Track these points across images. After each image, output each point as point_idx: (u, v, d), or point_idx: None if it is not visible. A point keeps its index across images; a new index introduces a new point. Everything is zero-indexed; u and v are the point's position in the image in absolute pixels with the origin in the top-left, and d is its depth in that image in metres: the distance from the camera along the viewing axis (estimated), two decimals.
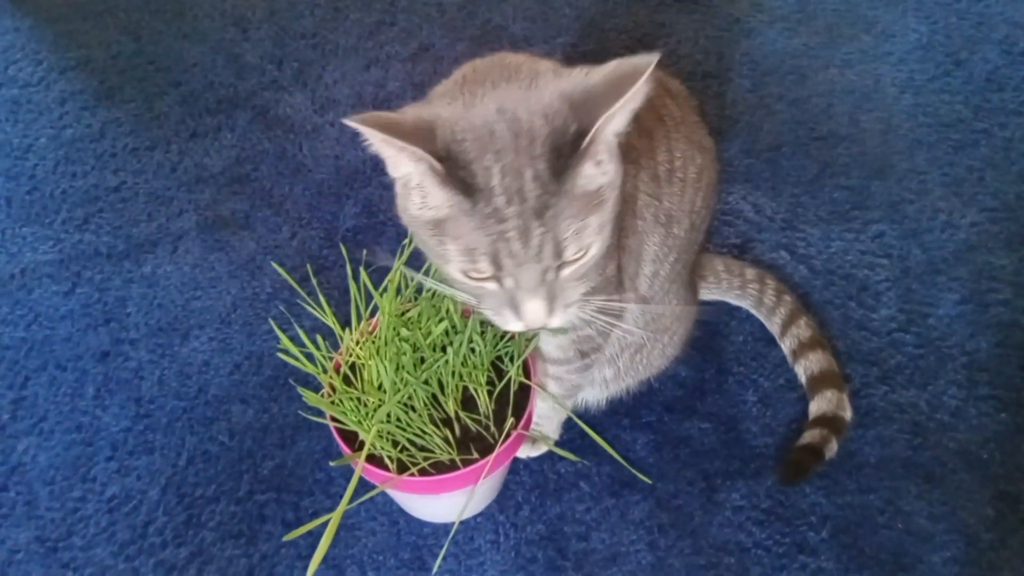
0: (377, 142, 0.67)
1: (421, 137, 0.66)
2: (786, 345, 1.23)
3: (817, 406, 1.15)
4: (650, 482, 1.12)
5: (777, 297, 1.25)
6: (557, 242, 0.69)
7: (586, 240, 0.71)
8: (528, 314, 0.73)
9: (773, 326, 1.25)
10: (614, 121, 0.68)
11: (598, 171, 0.70)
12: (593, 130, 0.66)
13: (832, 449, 1.11)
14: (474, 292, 0.75)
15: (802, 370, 1.20)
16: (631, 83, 0.65)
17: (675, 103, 0.96)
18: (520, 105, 0.68)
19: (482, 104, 0.69)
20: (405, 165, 0.69)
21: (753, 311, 1.28)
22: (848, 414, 1.14)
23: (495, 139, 0.67)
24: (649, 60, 0.65)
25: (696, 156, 0.96)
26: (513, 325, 0.75)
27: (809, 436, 1.11)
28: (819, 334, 1.21)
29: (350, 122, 0.64)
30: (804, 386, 1.19)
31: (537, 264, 0.70)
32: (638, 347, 1.07)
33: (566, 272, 0.73)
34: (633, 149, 0.89)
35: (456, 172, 0.67)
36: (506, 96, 0.69)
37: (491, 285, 0.73)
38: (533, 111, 0.68)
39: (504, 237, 0.68)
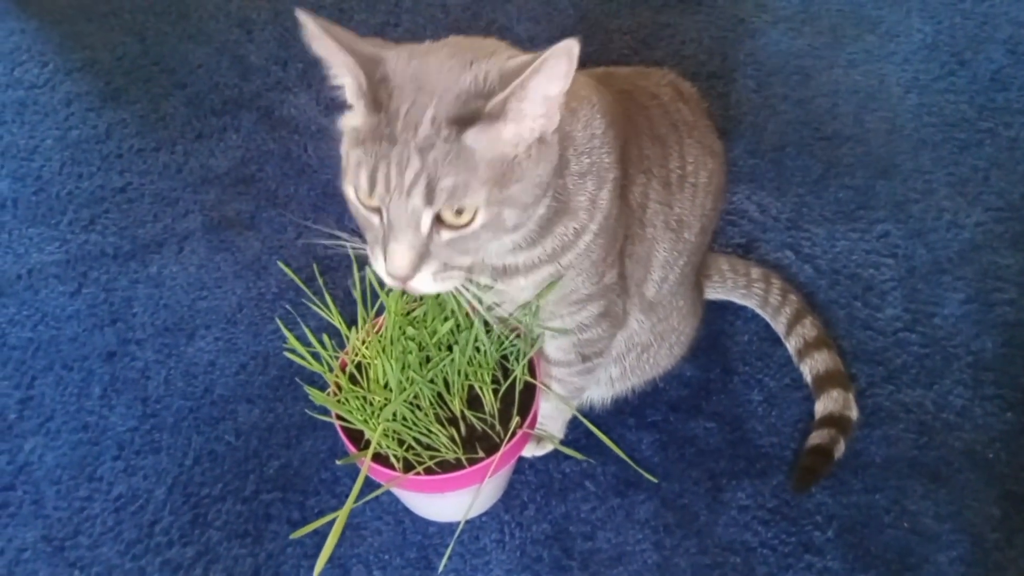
0: (320, 44, 0.70)
1: (364, 57, 0.71)
2: (791, 344, 1.23)
3: (823, 406, 1.15)
4: (656, 481, 1.12)
5: (782, 296, 1.25)
6: (430, 185, 0.69)
7: (466, 201, 0.70)
8: (393, 256, 0.72)
9: (779, 325, 1.25)
10: (528, 95, 0.69)
11: (502, 140, 0.70)
12: (502, 95, 0.67)
13: (840, 449, 1.11)
14: (363, 224, 0.76)
15: (807, 369, 1.20)
16: (545, 60, 0.66)
17: (688, 107, 0.96)
18: (459, 67, 0.71)
19: (430, 57, 0.72)
20: (343, 75, 0.73)
21: (758, 310, 1.28)
22: (854, 414, 1.14)
23: (422, 82, 0.70)
24: (570, 44, 0.66)
25: (707, 161, 0.96)
26: (380, 268, 0.74)
27: (817, 437, 1.11)
28: (825, 333, 1.21)
29: (302, 16, 0.69)
30: (810, 385, 1.19)
31: (407, 201, 0.69)
32: (644, 347, 1.08)
33: (445, 236, 0.71)
34: (646, 158, 0.89)
35: (377, 91, 0.70)
36: (453, 59, 0.71)
37: (375, 219, 0.73)
38: (468, 73, 0.70)
39: (386, 158, 0.69)
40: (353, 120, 0.73)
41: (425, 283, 0.74)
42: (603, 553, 1.07)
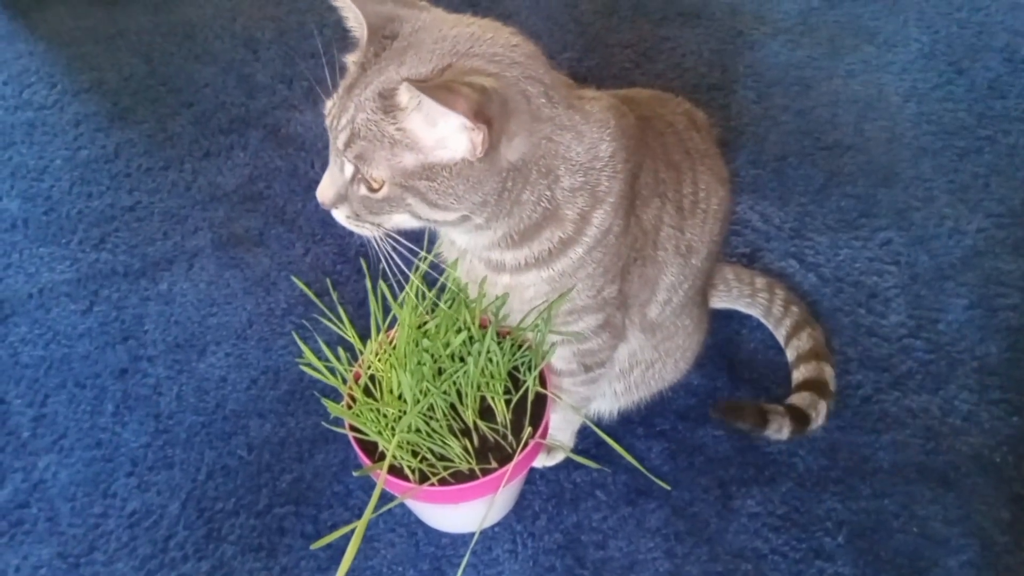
0: None
1: (374, 13, 0.76)
2: (789, 355, 1.25)
3: (800, 398, 1.17)
4: (668, 489, 1.12)
5: (785, 308, 1.26)
6: (350, 140, 0.74)
7: (369, 170, 0.74)
8: (322, 182, 0.79)
9: (780, 335, 1.27)
10: (407, 122, 0.72)
11: (405, 137, 0.72)
12: (397, 100, 0.71)
13: (785, 429, 1.13)
14: None
15: (797, 376, 1.22)
16: (421, 102, 0.69)
17: (700, 136, 0.98)
18: (437, 53, 0.73)
19: (434, 32, 0.75)
20: (351, 22, 0.79)
21: (763, 320, 1.29)
22: (821, 420, 1.16)
23: (408, 51, 0.74)
24: (463, 121, 0.69)
25: (718, 188, 0.98)
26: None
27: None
28: (822, 346, 1.22)
29: None
30: (792, 387, 1.21)
31: (337, 135, 0.75)
32: (649, 363, 1.09)
33: (360, 190, 0.76)
34: (661, 182, 0.91)
35: (374, 42, 0.75)
36: (442, 44, 0.74)
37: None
38: (434, 62, 0.73)
39: (345, 97, 0.75)
40: (354, 56, 0.78)
41: (341, 219, 0.80)
42: (615, 562, 1.07)
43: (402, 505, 1.09)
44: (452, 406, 0.96)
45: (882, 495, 1.11)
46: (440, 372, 0.93)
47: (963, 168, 1.51)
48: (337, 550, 1.08)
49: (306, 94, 1.72)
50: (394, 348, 0.92)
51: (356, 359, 1.00)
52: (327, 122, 0.77)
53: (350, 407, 0.95)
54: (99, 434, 1.23)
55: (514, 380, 0.99)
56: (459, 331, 0.90)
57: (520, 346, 0.97)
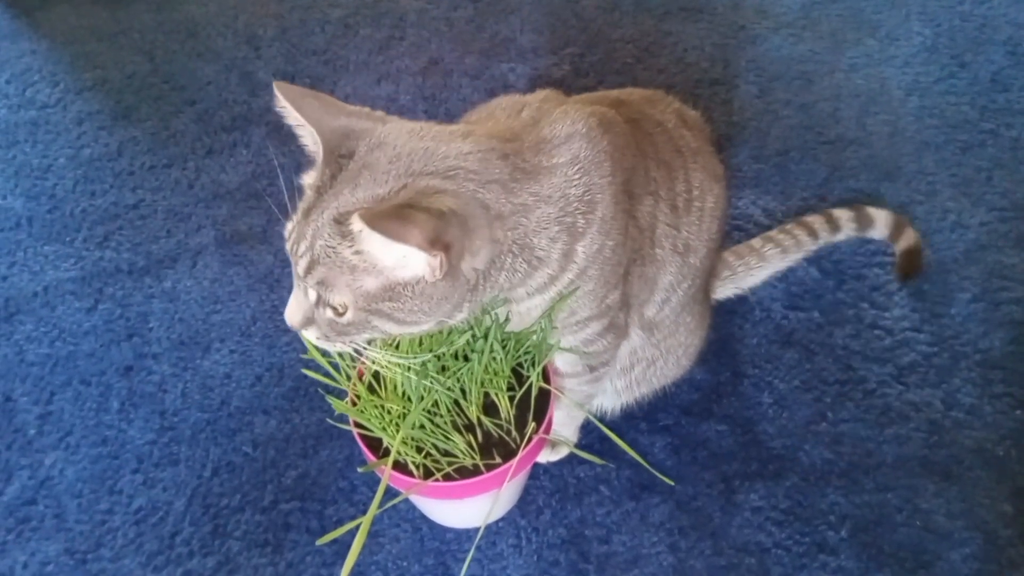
0: (289, 115, 0.76)
1: (330, 130, 0.75)
2: (870, 231, 1.36)
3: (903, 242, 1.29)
4: (672, 484, 1.13)
5: (792, 234, 1.31)
6: (310, 267, 0.73)
7: (331, 296, 0.73)
8: (288, 305, 0.77)
9: (808, 244, 1.33)
10: (361, 248, 0.71)
11: (363, 263, 0.71)
12: (352, 227, 0.69)
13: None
14: None
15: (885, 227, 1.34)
16: (368, 236, 0.68)
17: (692, 134, 0.98)
18: (392, 175, 0.72)
19: (387, 150, 0.74)
20: (308, 142, 0.78)
21: (793, 258, 1.32)
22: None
23: (363, 172, 0.72)
24: (419, 256, 0.69)
25: (713, 186, 0.98)
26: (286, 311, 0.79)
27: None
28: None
29: (276, 88, 0.75)
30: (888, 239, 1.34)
31: (297, 261, 0.74)
32: (651, 360, 1.09)
33: (326, 314, 0.75)
34: (652, 180, 0.91)
35: (331, 162, 0.75)
36: (397, 163, 0.73)
37: None
38: (389, 184, 0.72)
39: (302, 222, 0.74)
40: (309, 178, 0.78)
41: (312, 340, 0.79)
42: (619, 556, 1.08)
43: (407, 501, 1.10)
44: (456, 402, 0.96)
45: (885, 489, 1.12)
46: (444, 369, 0.94)
47: (966, 162, 1.51)
48: (342, 545, 1.08)
49: None
50: (396, 347, 0.93)
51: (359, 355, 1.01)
52: (287, 247, 0.75)
53: (354, 403, 0.96)
54: (105, 431, 1.24)
55: (517, 376, 0.99)
56: (463, 332, 0.90)
57: (523, 343, 0.97)
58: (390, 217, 0.66)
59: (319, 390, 1.24)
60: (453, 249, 0.70)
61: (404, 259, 0.71)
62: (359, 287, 0.72)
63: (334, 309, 0.74)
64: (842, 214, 1.34)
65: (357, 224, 0.68)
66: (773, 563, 1.06)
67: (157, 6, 1.99)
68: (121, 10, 1.99)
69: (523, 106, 0.85)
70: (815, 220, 1.33)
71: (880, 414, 1.19)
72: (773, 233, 1.32)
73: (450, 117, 1.59)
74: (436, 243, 0.68)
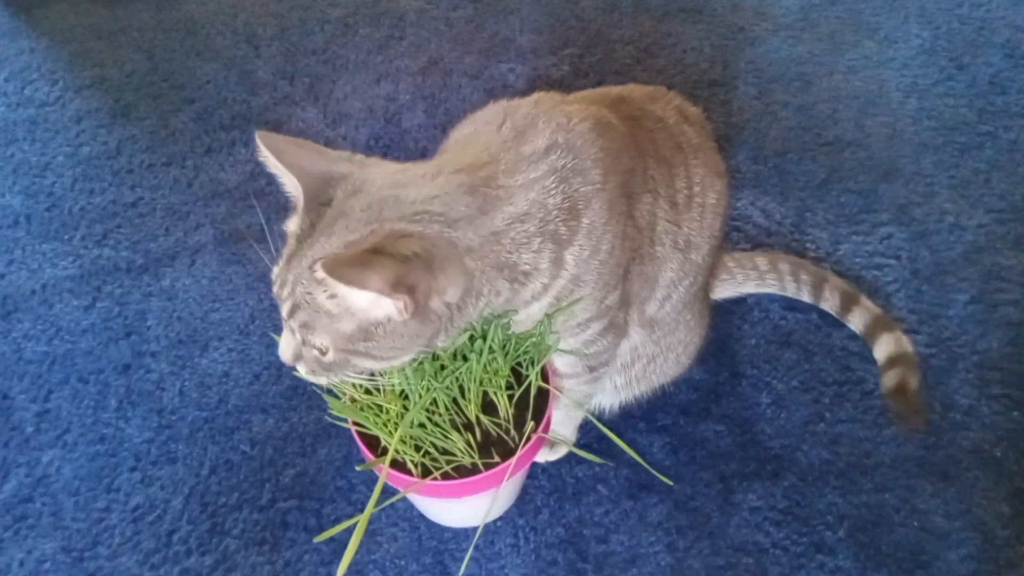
0: (270, 163, 0.76)
1: (311, 177, 0.76)
2: (827, 307, 1.30)
3: (882, 350, 1.21)
4: (671, 483, 1.13)
5: (795, 277, 1.29)
6: (293, 309, 0.75)
7: (312, 339, 0.76)
8: (280, 342, 0.80)
9: (803, 297, 1.31)
10: (331, 290, 0.73)
11: (335, 307, 0.73)
12: (321, 273, 0.70)
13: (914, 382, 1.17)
14: None
15: (855, 322, 1.27)
16: (334, 282, 0.70)
17: (693, 130, 0.98)
18: (364, 220, 0.73)
19: (363, 196, 0.75)
20: (290, 189, 0.79)
21: (779, 293, 1.32)
22: (910, 347, 1.20)
23: (339, 218, 0.74)
24: (390, 303, 0.71)
25: (715, 182, 0.97)
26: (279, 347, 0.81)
27: (888, 378, 1.19)
28: (853, 288, 1.27)
29: (257, 138, 0.75)
30: (862, 337, 1.26)
31: (283, 304, 0.76)
32: (651, 358, 1.09)
33: (312, 353, 0.77)
34: (651, 179, 0.90)
35: (312, 209, 0.76)
36: (368, 211, 0.74)
37: None
38: (363, 229, 0.73)
39: (287, 267, 0.76)
40: (292, 225, 0.79)
41: (304, 373, 0.81)
42: (617, 556, 1.08)
43: (405, 499, 1.10)
44: (454, 401, 0.96)
45: (883, 489, 1.12)
46: (442, 368, 0.94)
47: (964, 164, 1.52)
48: (340, 544, 1.08)
49: (308, 90, 1.72)
50: None
51: None
52: (274, 290, 0.78)
53: (353, 401, 0.96)
54: (103, 429, 1.24)
55: (516, 375, 0.99)
56: (462, 331, 0.90)
57: (523, 343, 0.97)
58: (350, 264, 0.68)
59: (317, 389, 1.24)
60: (419, 289, 0.72)
61: (374, 302, 0.73)
62: (336, 329, 0.75)
63: (318, 349, 0.77)
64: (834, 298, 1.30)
65: (320, 272, 0.70)
66: (771, 563, 1.07)
67: (156, 4, 1.99)
68: (120, 8, 1.99)
69: (505, 118, 0.84)
70: (818, 279, 1.29)
71: (878, 415, 1.19)
72: (781, 263, 1.31)
73: (449, 117, 1.59)
74: (398, 286, 0.69)
